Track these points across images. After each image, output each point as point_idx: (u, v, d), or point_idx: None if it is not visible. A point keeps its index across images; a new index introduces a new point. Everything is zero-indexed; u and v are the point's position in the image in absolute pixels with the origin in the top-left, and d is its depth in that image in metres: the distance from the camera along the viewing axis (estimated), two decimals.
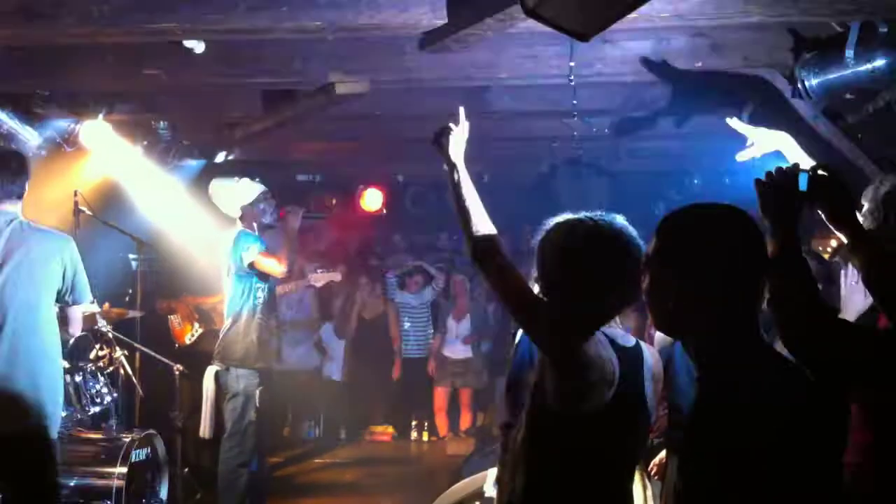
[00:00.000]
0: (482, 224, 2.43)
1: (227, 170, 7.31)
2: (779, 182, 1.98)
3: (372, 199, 8.52)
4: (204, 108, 5.91)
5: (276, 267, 5.29)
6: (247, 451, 5.25)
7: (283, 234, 5.54)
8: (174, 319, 6.64)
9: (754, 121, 4.11)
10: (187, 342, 6.56)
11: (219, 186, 5.60)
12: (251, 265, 5.24)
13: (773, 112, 4.38)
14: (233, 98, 5.66)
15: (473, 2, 3.33)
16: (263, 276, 5.35)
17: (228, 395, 5.29)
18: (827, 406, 1.84)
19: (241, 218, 5.46)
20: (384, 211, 8.57)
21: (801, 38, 3.95)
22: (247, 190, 5.49)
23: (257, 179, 5.68)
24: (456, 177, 2.51)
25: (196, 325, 6.64)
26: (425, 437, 8.59)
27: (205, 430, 5.38)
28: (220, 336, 5.39)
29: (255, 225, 5.46)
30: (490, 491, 3.69)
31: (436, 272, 8.68)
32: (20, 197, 4.01)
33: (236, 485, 5.24)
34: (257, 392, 5.29)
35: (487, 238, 2.41)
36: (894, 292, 2.00)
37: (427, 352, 8.63)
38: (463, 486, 4.41)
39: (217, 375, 5.33)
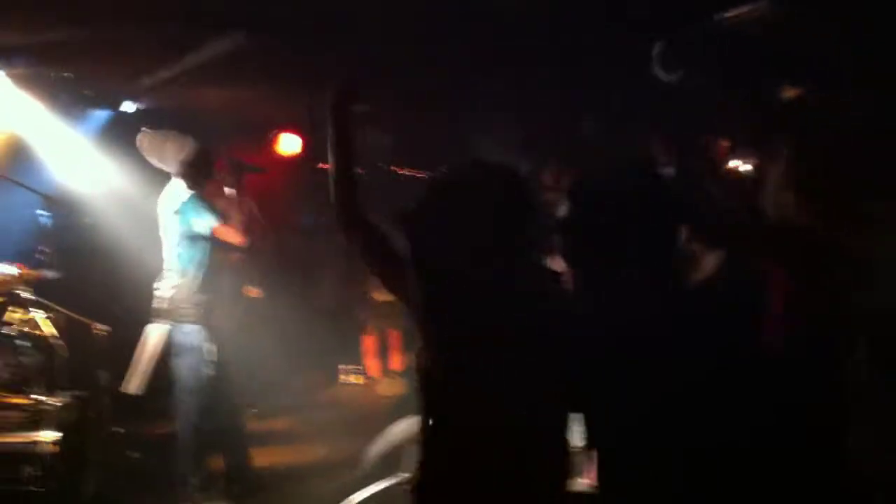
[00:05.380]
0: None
1: (137, 120, 7.11)
2: None
3: (288, 144, 8.36)
4: (107, 57, 5.71)
5: (235, 238, 5.23)
6: (203, 408, 5.20)
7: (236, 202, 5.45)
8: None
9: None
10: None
11: (148, 140, 5.31)
12: (208, 234, 5.15)
13: None
14: (139, 46, 5.46)
15: None
16: (212, 238, 5.23)
17: (178, 352, 5.22)
18: None
19: (183, 175, 5.22)
20: (303, 154, 8.39)
21: None
22: (179, 144, 5.23)
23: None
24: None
25: None
26: (354, 379, 8.60)
27: (137, 386, 5.28)
28: (167, 294, 5.24)
29: (202, 186, 5.29)
30: None
31: None
32: None
33: (194, 443, 5.22)
34: (209, 348, 5.21)
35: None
36: None
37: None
38: (401, 428, 4.37)
39: (164, 333, 5.25)
